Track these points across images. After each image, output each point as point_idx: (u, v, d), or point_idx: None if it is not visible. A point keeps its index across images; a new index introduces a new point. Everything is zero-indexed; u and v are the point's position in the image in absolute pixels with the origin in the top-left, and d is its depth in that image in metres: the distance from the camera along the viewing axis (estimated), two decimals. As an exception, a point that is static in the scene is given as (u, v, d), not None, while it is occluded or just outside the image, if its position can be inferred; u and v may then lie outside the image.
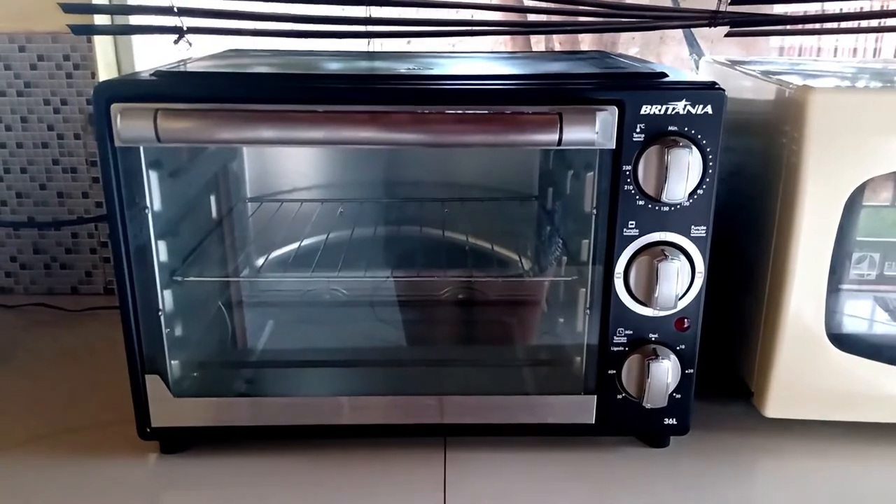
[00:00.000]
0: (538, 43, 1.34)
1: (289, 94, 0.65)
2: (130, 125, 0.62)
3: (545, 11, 1.02)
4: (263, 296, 0.98)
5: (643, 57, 1.35)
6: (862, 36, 1.34)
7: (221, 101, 0.64)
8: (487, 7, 1.03)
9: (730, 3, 0.92)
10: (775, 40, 1.29)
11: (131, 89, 0.66)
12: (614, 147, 0.65)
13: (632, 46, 1.34)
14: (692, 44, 1.20)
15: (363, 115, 0.63)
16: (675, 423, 0.73)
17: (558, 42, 1.34)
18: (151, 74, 0.68)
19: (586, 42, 1.32)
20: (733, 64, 0.91)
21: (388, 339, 0.92)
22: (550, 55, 1.12)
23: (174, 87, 0.66)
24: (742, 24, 0.96)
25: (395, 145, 0.66)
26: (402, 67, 0.79)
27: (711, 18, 0.94)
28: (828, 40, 1.34)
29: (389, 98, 0.65)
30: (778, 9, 1.02)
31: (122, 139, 0.63)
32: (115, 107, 0.63)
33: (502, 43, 1.32)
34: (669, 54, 1.34)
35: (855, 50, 1.38)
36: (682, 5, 1.12)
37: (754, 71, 0.83)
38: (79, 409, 0.83)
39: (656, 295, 0.67)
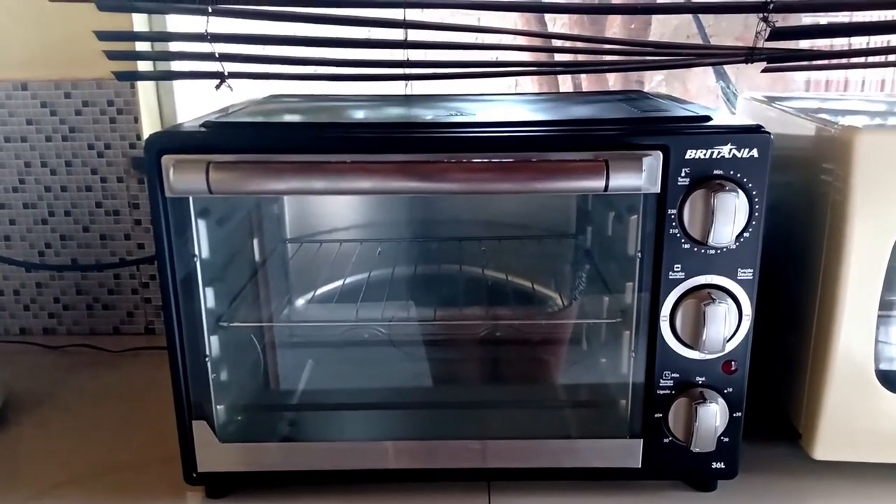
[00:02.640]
0: (565, 79, 1.34)
1: (337, 144, 0.66)
2: (182, 177, 0.63)
3: (577, 52, 1.03)
4: (305, 337, 0.99)
5: (668, 84, 1.35)
6: (890, 68, 1.33)
7: (271, 152, 0.65)
8: (519, 48, 1.04)
9: (767, 39, 0.92)
10: (803, 72, 1.29)
11: (181, 141, 0.67)
12: (659, 191, 0.65)
13: (657, 75, 1.34)
14: (721, 75, 1.20)
15: (412, 166, 0.64)
16: (722, 466, 0.72)
17: (585, 78, 1.34)
18: (200, 125, 0.69)
19: (612, 75, 1.32)
20: (770, 100, 0.90)
21: (429, 380, 0.91)
22: (584, 96, 1.12)
23: (224, 139, 0.67)
24: (778, 60, 0.96)
25: (443, 194, 0.66)
26: (443, 113, 0.80)
27: (748, 55, 0.94)
28: (855, 73, 1.34)
29: (437, 147, 0.65)
30: (804, 43, 1.02)
31: (174, 191, 0.64)
32: (166, 158, 0.64)
33: (530, 79, 1.32)
34: (695, 82, 1.34)
35: (883, 82, 1.37)
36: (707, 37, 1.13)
37: (791, 108, 0.83)
38: (121, 448, 0.84)
39: (703, 338, 0.67)
